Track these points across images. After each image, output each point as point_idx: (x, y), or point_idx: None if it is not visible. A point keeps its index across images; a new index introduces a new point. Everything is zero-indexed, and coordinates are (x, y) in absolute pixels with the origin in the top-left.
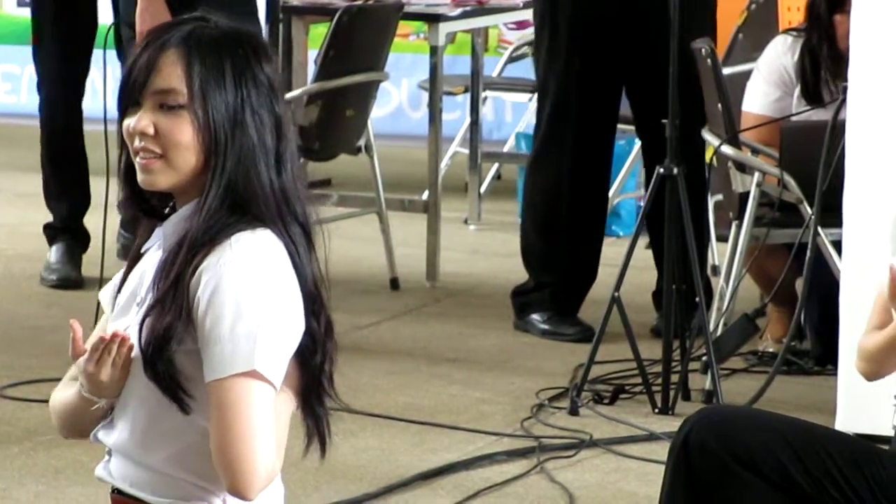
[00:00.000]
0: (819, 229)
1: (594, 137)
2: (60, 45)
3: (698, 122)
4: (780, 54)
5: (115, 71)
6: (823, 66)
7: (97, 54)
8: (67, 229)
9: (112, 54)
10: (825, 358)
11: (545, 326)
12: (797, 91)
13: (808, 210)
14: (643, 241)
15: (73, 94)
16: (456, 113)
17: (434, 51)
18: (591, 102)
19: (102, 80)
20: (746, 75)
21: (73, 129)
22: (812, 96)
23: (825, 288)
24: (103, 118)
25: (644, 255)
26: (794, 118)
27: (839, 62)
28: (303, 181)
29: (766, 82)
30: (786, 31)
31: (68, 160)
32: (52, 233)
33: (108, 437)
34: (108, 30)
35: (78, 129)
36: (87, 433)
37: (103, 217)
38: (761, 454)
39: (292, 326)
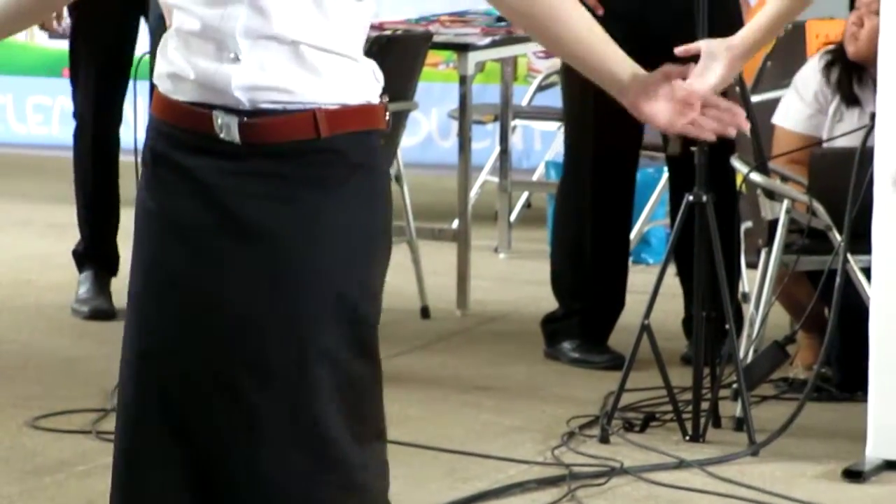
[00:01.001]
0: (848, 256)
1: (614, 164)
2: (97, 70)
3: (727, 149)
4: (815, 71)
5: (145, 101)
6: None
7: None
8: (96, 255)
9: (144, 85)
10: (847, 384)
11: (575, 354)
12: (831, 109)
13: (837, 237)
14: (672, 268)
15: (108, 119)
16: (485, 141)
17: (463, 80)
18: (609, 129)
19: (133, 109)
20: (775, 102)
21: (105, 153)
22: (850, 100)
23: (848, 314)
24: (134, 148)
25: (674, 283)
26: (824, 144)
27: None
28: None
29: (801, 99)
30: (825, 49)
31: (99, 184)
32: (80, 258)
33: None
34: (140, 59)
35: (111, 154)
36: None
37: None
38: None
39: None
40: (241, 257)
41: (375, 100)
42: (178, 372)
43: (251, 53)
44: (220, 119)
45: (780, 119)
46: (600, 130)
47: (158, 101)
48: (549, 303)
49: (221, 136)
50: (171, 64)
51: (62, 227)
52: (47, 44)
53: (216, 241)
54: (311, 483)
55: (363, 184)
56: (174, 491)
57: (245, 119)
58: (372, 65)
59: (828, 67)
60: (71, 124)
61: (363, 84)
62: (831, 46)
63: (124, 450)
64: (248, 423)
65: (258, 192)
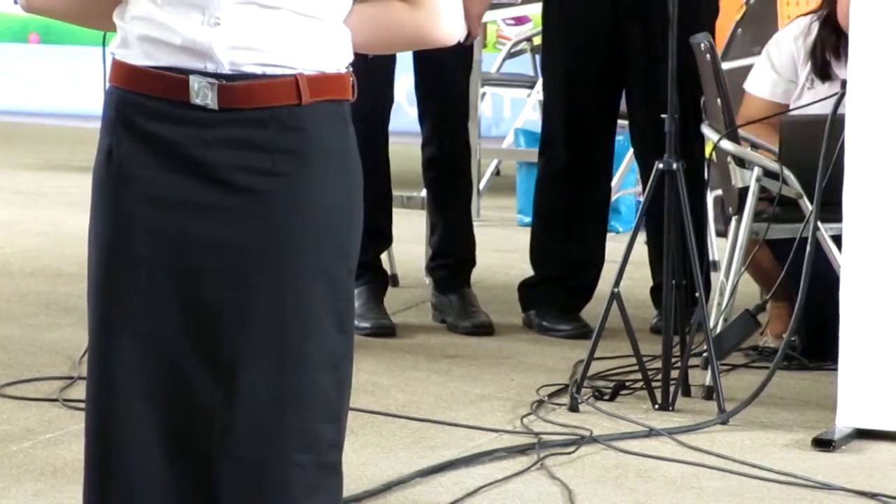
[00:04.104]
0: (819, 224)
1: (587, 135)
2: None
3: (697, 117)
4: (792, 39)
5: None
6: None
7: (91, 51)
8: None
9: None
10: (811, 351)
11: (542, 323)
12: (803, 75)
13: (808, 205)
14: (642, 236)
15: None
16: None
17: None
18: (582, 99)
19: (103, 79)
20: (746, 70)
21: None
22: (822, 73)
23: (816, 282)
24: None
25: (644, 251)
26: (794, 112)
27: (841, 39)
28: None
29: (772, 66)
30: (803, 15)
31: None
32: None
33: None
34: None
35: None
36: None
37: None
38: None
39: None
40: (224, 228)
41: (346, 69)
42: (154, 345)
43: (233, 17)
44: (196, 84)
45: (750, 86)
46: (573, 97)
47: (122, 70)
48: (519, 271)
49: (197, 101)
50: (145, 29)
51: (28, 194)
52: (13, 10)
53: (195, 212)
54: (288, 460)
55: (342, 162)
56: (151, 462)
57: (224, 82)
58: (348, 33)
59: (805, 35)
60: (37, 90)
61: (340, 52)
62: (810, 14)
63: (98, 424)
64: (229, 394)
65: (239, 164)
